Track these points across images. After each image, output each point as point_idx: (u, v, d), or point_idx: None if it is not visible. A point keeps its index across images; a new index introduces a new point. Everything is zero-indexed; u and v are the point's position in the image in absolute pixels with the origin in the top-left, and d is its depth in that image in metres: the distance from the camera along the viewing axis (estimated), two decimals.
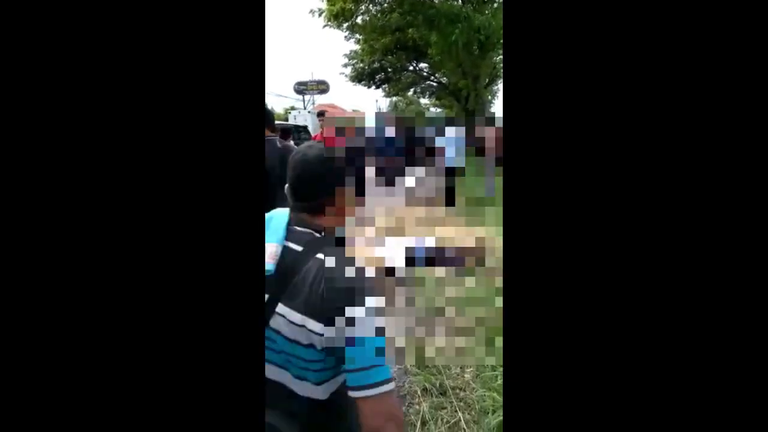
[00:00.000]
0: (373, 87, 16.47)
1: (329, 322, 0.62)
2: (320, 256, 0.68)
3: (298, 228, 0.72)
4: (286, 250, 0.70)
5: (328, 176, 0.70)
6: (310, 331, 0.64)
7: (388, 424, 0.60)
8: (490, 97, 14.00)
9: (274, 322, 0.67)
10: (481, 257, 0.94)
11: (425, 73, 16.50)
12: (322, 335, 0.63)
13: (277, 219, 0.74)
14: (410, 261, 0.95)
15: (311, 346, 0.65)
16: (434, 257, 0.98)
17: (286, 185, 0.74)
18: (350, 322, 0.62)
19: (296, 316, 0.65)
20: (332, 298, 0.63)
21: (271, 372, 0.70)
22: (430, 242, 0.99)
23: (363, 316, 0.62)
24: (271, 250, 0.68)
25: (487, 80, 13.15)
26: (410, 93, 19.32)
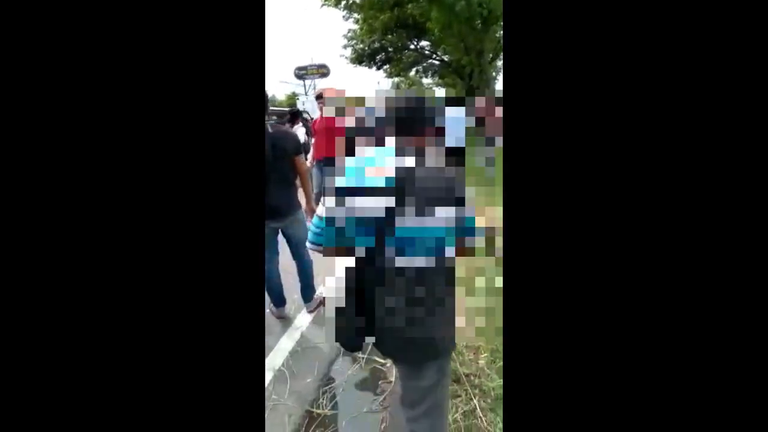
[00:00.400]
0: (375, 68, 16.16)
1: None
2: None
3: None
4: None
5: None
6: None
7: None
8: (494, 73, 13.55)
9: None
10: (491, 237, 0.93)
11: (427, 52, 16.11)
12: None
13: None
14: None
15: None
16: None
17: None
18: None
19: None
20: None
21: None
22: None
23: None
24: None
25: (491, 55, 12.75)
26: (412, 73, 18.94)
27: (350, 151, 0.94)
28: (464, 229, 0.86)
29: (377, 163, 0.90)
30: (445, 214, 0.85)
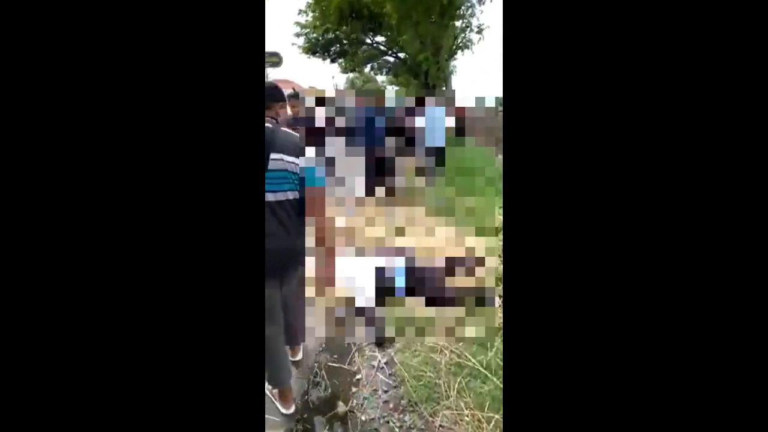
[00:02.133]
0: (329, 60, 15.58)
1: None
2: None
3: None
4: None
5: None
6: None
7: None
8: (452, 71, 13.43)
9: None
10: (472, 267, 1.05)
11: (383, 47, 15.81)
12: None
13: None
14: (385, 291, 1.15)
15: None
16: (414, 285, 1.13)
17: None
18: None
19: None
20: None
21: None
22: (401, 261, 1.14)
23: None
24: None
25: (449, 52, 12.64)
26: (367, 69, 18.58)
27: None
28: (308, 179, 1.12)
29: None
30: (294, 160, 1.45)
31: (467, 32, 12.53)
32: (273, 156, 1.41)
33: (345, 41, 14.59)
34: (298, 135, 1.53)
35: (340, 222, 1.47)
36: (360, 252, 1.69)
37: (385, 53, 16.41)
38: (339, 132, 1.25)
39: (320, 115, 1.20)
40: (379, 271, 1.66)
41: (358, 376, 1.95)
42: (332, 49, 14.99)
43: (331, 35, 14.09)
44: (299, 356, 2.01)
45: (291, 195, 1.47)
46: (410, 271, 1.89)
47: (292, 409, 1.65)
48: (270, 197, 1.39)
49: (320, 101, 1.15)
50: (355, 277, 1.62)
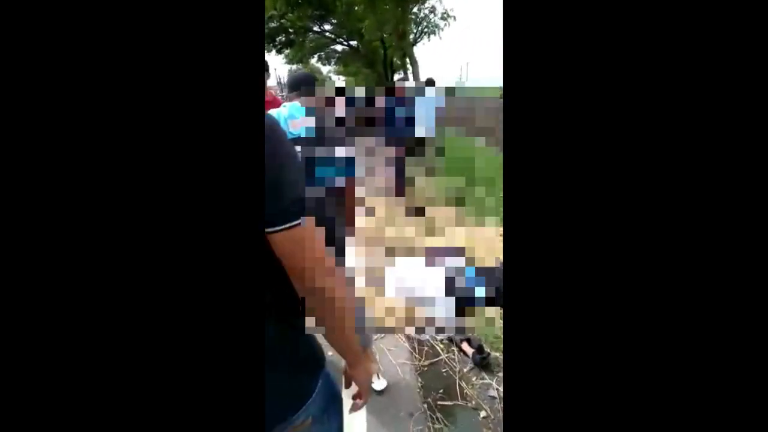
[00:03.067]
0: (274, 51, 14.68)
1: None
2: None
3: None
4: None
5: None
6: None
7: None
8: (415, 59, 12.78)
9: None
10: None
11: (331, 35, 15.12)
12: None
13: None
14: (464, 302, 1.18)
15: None
16: (495, 295, 1.14)
17: None
18: None
19: None
20: None
21: None
22: (463, 265, 1.18)
23: None
24: None
25: (413, 38, 12.18)
26: (314, 60, 17.82)
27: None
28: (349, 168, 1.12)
29: (296, 117, 1.35)
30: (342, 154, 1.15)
31: (432, 17, 12.23)
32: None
33: (291, 30, 13.76)
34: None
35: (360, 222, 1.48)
36: (390, 255, 1.64)
37: (333, 41, 15.70)
38: (367, 122, 1.30)
39: (340, 106, 1.26)
40: (449, 281, 1.60)
41: (482, 414, 1.57)
42: (278, 39, 14.14)
43: (276, 23, 13.23)
44: (382, 384, 1.72)
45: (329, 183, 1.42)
46: (484, 277, 1.67)
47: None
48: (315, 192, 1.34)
49: (340, 91, 1.21)
50: (419, 287, 1.59)
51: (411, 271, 1.56)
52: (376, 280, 1.51)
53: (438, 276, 1.58)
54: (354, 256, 1.49)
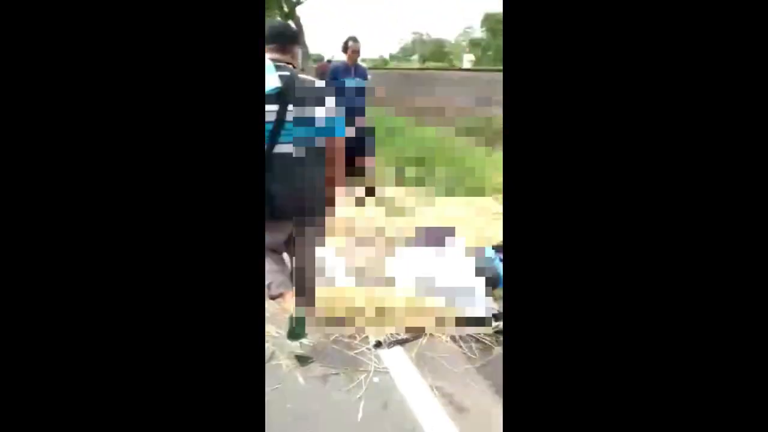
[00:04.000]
0: None
1: None
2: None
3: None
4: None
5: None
6: None
7: None
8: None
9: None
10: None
11: None
12: None
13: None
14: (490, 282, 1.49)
15: None
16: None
17: None
18: None
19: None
20: None
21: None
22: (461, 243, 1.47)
23: None
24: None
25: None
26: None
27: None
28: (331, 129, 1.38)
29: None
30: (317, 113, 1.36)
31: None
32: (291, 107, 1.39)
33: None
34: (315, 81, 1.62)
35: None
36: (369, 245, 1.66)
37: None
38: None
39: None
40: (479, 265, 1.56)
41: None
42: None
43: None
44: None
45: (310, 144, 1.48)
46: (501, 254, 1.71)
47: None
48: (285, 149, 1.39)
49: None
50: (438, 277, 1.53)
51: (420, 260, 1.51)
52: (379, 279, 1.48)
53: (454, 261, 1.54)
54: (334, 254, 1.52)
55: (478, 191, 2.91)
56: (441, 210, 2.54)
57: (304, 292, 1.48)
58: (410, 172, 3.07)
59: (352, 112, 2.42)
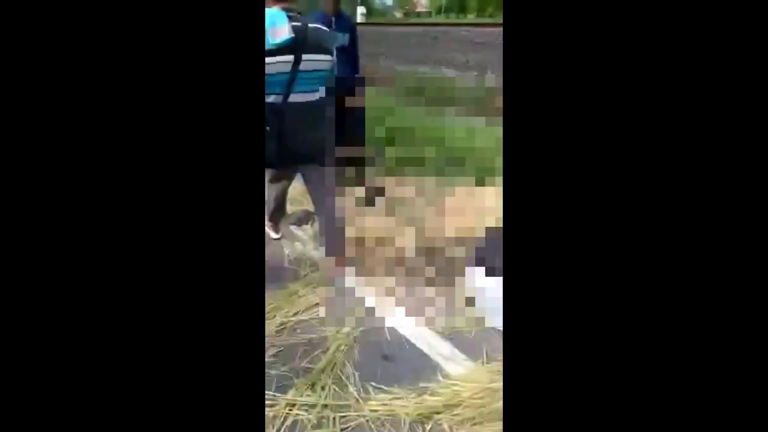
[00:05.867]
0: None
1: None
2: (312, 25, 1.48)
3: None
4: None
5: None
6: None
7: None
8: None
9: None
10: None
11: None
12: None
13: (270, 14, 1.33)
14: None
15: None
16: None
17: None
18: None
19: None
20: None
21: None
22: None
23: None
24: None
25: None
26: None
27: None
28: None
29: (277, 25, 1.33)
30: (325, 58, 1.49)
31: None
32: (305, 57, 1.41)
33: None
34: (327, 30, 1.61)
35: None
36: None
37: None
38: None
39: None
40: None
41: None
42: None
43: None
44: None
45: (319, 94, 1.53)
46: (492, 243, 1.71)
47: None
48: (299, 98, 1.44)
49: None
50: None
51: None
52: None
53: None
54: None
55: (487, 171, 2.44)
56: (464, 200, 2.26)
57: (334, 241, 1.73)
58: (390, 152, 2.66)
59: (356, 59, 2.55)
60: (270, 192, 1.99)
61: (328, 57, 1.49)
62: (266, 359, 1.37)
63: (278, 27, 1.33)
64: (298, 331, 1.55)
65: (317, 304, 1.66)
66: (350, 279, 1.76)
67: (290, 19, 1.37)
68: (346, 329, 1.52)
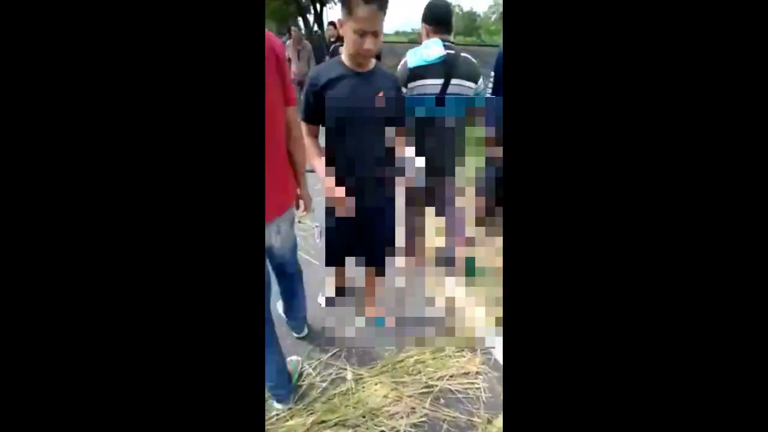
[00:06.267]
0: None
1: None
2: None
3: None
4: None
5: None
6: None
7: None
8: None
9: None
10: None
11: None
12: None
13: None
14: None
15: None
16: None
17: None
18: None
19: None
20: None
21: None
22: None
23: None
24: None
25: None
26: None
27: None
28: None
29: (431, 46, 1.45)
30: (470, 85, 1.51)
31: None
32: (453, 81, 1.46)
33: None
34: (476, 61, 1.62)
35: None
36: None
37: None
38: None
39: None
40: None
41: None
42: None
43: None
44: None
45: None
46: None
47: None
48: (450, 123, 1.48)
49: None
50: None
51: None
52: None
53: None
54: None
55: None
56: None
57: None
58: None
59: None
60: None
61: (473, 84, 1.52)
62: (405, 426, 1.22)
63: (433, 47, 1.44)
64: (442, 401, 1.36)
65: (477, 373, 1.44)
66: None
67: (445, 47, 1.46)
68: (499, 421, 1.26)
